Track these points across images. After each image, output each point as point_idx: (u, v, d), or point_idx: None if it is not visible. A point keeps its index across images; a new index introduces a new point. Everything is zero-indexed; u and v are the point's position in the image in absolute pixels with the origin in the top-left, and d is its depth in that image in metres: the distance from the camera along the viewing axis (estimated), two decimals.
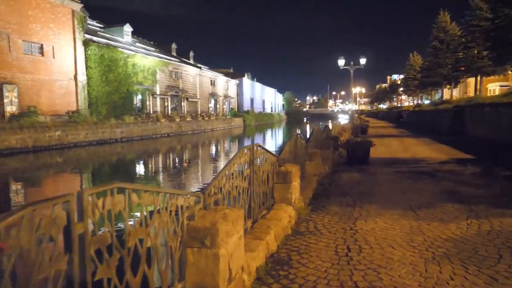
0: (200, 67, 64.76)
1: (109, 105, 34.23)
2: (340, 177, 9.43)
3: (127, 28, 46.55)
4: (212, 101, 72.43)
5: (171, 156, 26.95)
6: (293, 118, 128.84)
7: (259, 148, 4.47)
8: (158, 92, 47.89)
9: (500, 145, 16.69)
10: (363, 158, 11.60)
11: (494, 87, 62.50)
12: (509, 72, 32.74)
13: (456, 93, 51.41)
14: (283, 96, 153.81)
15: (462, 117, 24.95)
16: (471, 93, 77.54)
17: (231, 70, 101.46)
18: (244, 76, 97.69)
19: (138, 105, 41.44)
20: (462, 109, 25.00)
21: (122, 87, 36.12)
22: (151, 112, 43.65)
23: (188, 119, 53.02)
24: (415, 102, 77.07)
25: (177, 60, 59.01)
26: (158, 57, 48.81)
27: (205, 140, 42.71)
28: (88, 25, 37.76)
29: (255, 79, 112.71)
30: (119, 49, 36.54)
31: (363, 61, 26.09)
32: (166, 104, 51.59)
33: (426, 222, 5.23)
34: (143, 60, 41.10)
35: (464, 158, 12.71)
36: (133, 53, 39.35)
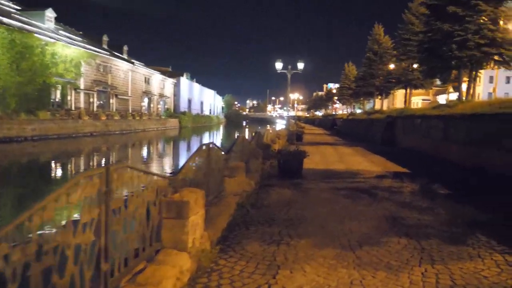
0: (133, 63, 60.91)
1: (20, 97, 30.04)
2: (268, 194, 7.99)
3: (50, 13, 41.92)
4: (146, 100, 68.59)
5: (82, 158, 24.08)
6: (232, 121, 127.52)
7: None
8: (82, 87, 43.76)
9: (430, 158, 16.52)
10: (296, 170, 10.34)
11: (417, 101, 66.55)
12: (434, 87, 34.33)
13: (384, 104, 53.38)
14: (223, 98, 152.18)
15: (394, 128, 25.12)
16: (398, 104, 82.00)
17: (170, 69, 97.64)
18: (182, 75, 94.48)
19: (57, 100, 37.31)
20: (394, 120, 25.17)
21: (37, 78, 32.02)
22: (73, 108, 39.63)
23: (116, 118, 49.27)
24: (349, 110, 79.61)
25: (108, 53, 54.78)
26: (84, 48, 44.64)
27: (133, 141, 39.70)
28: (0, 5, 33.27)
29: (195, 79, 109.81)
30: (36, 34, 32.45)
31: (301, 65, 25.38)
32: (91, 100, 47.47)
33: (371, 272, 3.88)
34: (65, 49, 37.01)
35: (399, 172, 12.00)
36: (53, 40, 35.24)
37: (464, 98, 19.86)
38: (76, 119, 35.97)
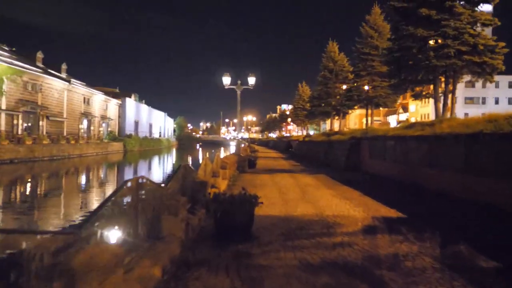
0: (69, 81, 54.85)
1: None
2: None
3: None
4: (85, 122, 62.28)
5: None
6: (184, 144, 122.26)
7: None
8: (3, 107, 37.80)
9: (412, 188, 13.35)
10: (242, 228, 6.46)
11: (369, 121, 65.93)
12: (398, 103, 32.08)
13: (337, 125, 51.14)
14: (174, 120, 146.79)
15: (359, 151, 22.09)
16: (351, 125, 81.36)
17: (117, 90, 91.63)
18: (130, 96, 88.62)
19: None
20: (359, 142, 22.18)
21: None
22: None
23: (45, 142, 43.14)
24: (304, 132, 77.59)
25: (40, 70, 48.69)
26: (7, 63, 38.82)
27: (55, 169, 33.94)
28: None
29: (144, 101, 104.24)
30: None
31: (251, 80, 21.87)
32: (15, 122, 41.32)
33: None
34: None
35: (391, 218, 8.44)
36: None
37: (441, 115, 17.21)
38: None
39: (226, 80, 21.60)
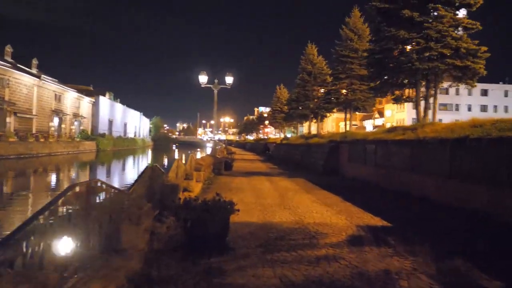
0: (39, 77, 52.55)
1: None
2: None
3: None
4: (56, 120, 59.85)
5: None
6: (160, 144, 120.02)
7: None
8: None
9: (392, 193, 12.94)
10: (216, 238, 5.70)
11: (343, 125, 66.05)
12: (374, 108, 31.97)
13: (313, 128, 50.72)
14: (150, 120, 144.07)
15: (338, 154, 21.66)
16: (327, 129, 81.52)
17: (91, 88, 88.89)
18: (105, 95, 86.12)
19: None
20: (338, 145, 21.75)
21: None
22: None
23: (11, 139, 41.08)
24: (281, 135, 77.26)
25: (7, 64, 46.37)
26: None
27: (16, 169, 32.07)
28: None
29: (119, 99, 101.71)
30: None
31: (229, 80, 21.15)
32: None
33: None
34: None
35: (376, 227, 7.86)
36: None
37: (421, 119, 16.94)
38: None
39: (203, 78, 20.80)
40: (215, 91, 21.09)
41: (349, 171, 19.72)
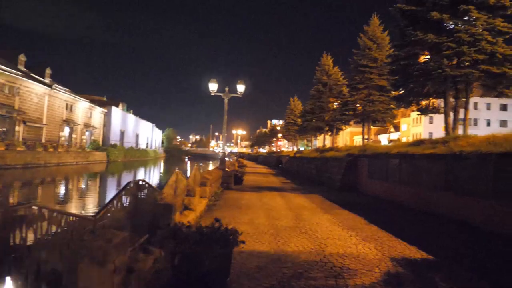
0: (50, 86, 52.34)
1: None
2: None
3: None
4: (67, 130, 59.49)
5: None
6: (172, 156, 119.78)
7: None
8: None
9: (424, 215, 11.38)
10: (213, 279, 4.33)
11: (358, 139, 64.02)
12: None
13: (327, 142, 49.10)
14: (163, 132, 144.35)
15: (356, 169, 20.12)
16: (340, 143, 79.57)
17: (105, 98, 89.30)
18: (118, 105, 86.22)
19: None
20: (356, 159, 20.22)
21: None
22: None
23: (19, 149, 40.51)
24: (294, 148, 75.70)
25: (18, 73, 46.18)
26: None
27: (19, 179, 31.06)
28: None
29: (132, 110, 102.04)
30: None
31: (241, 88, 19.94)
32: None
33: None
34: None
35: (418, 262, 6.35)
36: None
37: (451, 131, 15.39)
38: None
39: (213, 86, 19.63)
40: (226, 100, 19.87)
41: (368, 188, 18.15)
